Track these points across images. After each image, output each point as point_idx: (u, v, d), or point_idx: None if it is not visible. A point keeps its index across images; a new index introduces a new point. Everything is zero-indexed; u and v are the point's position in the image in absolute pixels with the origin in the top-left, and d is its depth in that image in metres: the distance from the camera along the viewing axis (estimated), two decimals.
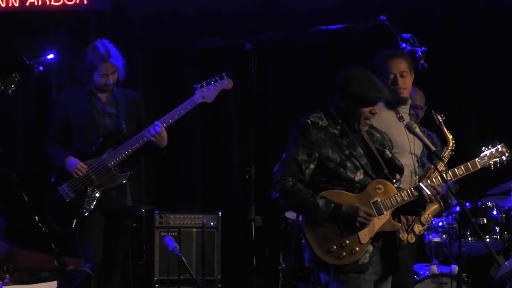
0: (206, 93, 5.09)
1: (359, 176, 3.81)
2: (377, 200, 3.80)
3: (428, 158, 4.01)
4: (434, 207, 4.73)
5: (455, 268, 5.48)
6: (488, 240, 5.51)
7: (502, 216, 5.62)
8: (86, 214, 4.95)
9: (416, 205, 3.92)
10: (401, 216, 4.07)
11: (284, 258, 5.84)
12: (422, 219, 4.50)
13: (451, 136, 4.59)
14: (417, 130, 4.05)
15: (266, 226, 5.14)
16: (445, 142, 4.66)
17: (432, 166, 4.15)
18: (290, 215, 5.79)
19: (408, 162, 4.36)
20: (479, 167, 4.22)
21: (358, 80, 3.82)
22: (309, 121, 3.85)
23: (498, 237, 5.57)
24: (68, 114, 5.10)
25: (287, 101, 6.97)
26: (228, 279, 6.36)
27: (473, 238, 5.54)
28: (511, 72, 6.85)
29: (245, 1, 6.91)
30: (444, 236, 5.56)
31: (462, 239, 5.40)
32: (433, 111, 4.62)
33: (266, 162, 6.58)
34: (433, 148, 3.93)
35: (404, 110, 4.54)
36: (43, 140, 5.20)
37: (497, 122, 6.84)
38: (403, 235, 4.37)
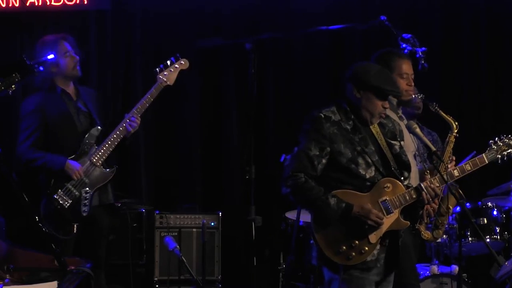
0: (168, 75, 5.21)
1: (370, 173, 3.81)
2: (386, 199, 3.81)
3: (428, 158, 4.01)
4: (451, 198, 4.67)
5: (455, 268, 5.47)
6: (488, 240, 5.50)
7: (503, 216, 5.62)
8: (85, 216, 4.95)
9: (415, 206, 3.92)
10: (424, 212, 4.05)
11: (284, 258, 5.84)
12: (442, 210, 4.47)
13: (452, 118, 4.54)
14: (417, 130, 4.05)
15: (266, 226, 5.14)
16: (447, 132, 4.62)
17: (440, 162, 4.15)
18: (290, 215, 5.78)
19: (412, 161, 4.35)
20: (487, 162, 4.21)
21: (377, 72, 3.85)
22: (322, 115, 3.84)
23: (498, 237, 5.56)
24: (47, 118, 5.00)
25: (287, 101, 6.97)
26: (228, 279, 6.36)
27: (473, 238, 5.54)
28: (511, 72, 6.85)
29: (245, 1, 6.91)
30: (444, 236, 5.55)
31: (462, 239, 5.40)
32: (426, 101, 4.61)
33: (266, 162, 6.60)
34: (433, 148, 3.93)
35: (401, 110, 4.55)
36: (19, 147, 5.03)
37: (497, 122, 6.84)
38: (426, 234, 4.34)
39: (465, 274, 5.55)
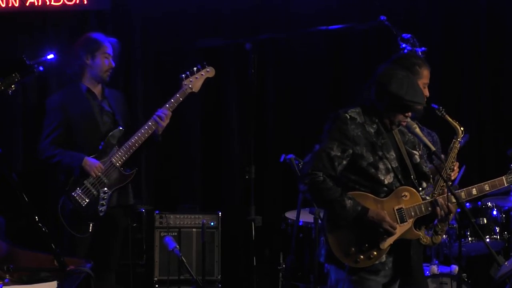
0: (193, 82, 5.19)
1: (389, 179, 3.78)
2: (402, 208, 3.79)
3: (428, 158, 4.01)
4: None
5: (455, 268, 5.47)
6: (488, 240, 5.50)
7: (502, 216, 5.62)
8: (102, 216, 4.97)
9: (428, 217, 3.90)
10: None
11: (284, 258, 5.84)
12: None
13: (458, 124, 4.53)
14: (417, 130, 4.04)
15: (266, 226, 5.14)
16: (451, 135, 4.61)
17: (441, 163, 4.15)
18: (290, 215, 5.79)
19: None
20: (506, 184, 4.23)
21: (399, 80, 3.75)
22: (347, 116, 3.78)
23: (498, 237, 5.57)
24: (70, 116, 5.03)
25: (287, 101, 6.97)
26: (228, 279, 6.36)
27: (473, 238, 5.54)
28: (511, 72, 6.85)
29: (245, 1, 6.91)
30: (444, 236, 5.56)
31: (462, 239, 5.40)
32: (432, 105, 4.60)
33: (266, 162, 6.61)
34: (433, 148, 3.92)
35: None
36: (41, 144, 5.07)
37: (497, 122, 6.84)
38: (425, 238, 4.34)
39: (465, 274, 5.54)
